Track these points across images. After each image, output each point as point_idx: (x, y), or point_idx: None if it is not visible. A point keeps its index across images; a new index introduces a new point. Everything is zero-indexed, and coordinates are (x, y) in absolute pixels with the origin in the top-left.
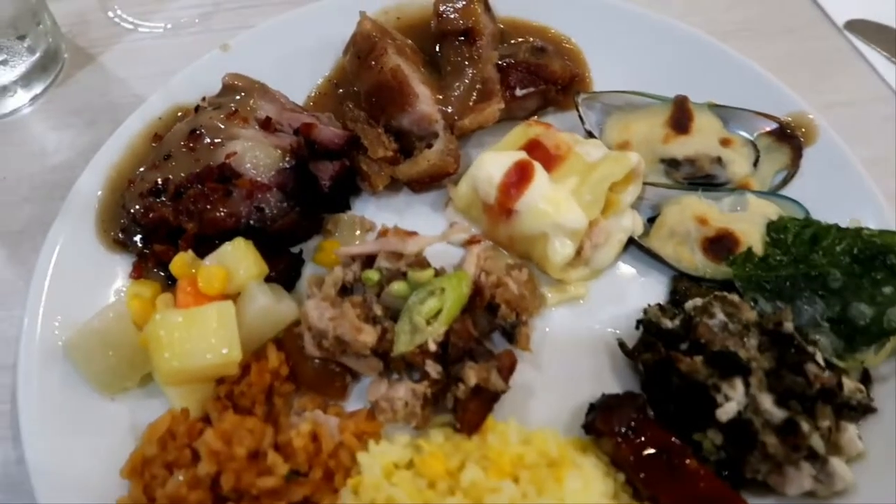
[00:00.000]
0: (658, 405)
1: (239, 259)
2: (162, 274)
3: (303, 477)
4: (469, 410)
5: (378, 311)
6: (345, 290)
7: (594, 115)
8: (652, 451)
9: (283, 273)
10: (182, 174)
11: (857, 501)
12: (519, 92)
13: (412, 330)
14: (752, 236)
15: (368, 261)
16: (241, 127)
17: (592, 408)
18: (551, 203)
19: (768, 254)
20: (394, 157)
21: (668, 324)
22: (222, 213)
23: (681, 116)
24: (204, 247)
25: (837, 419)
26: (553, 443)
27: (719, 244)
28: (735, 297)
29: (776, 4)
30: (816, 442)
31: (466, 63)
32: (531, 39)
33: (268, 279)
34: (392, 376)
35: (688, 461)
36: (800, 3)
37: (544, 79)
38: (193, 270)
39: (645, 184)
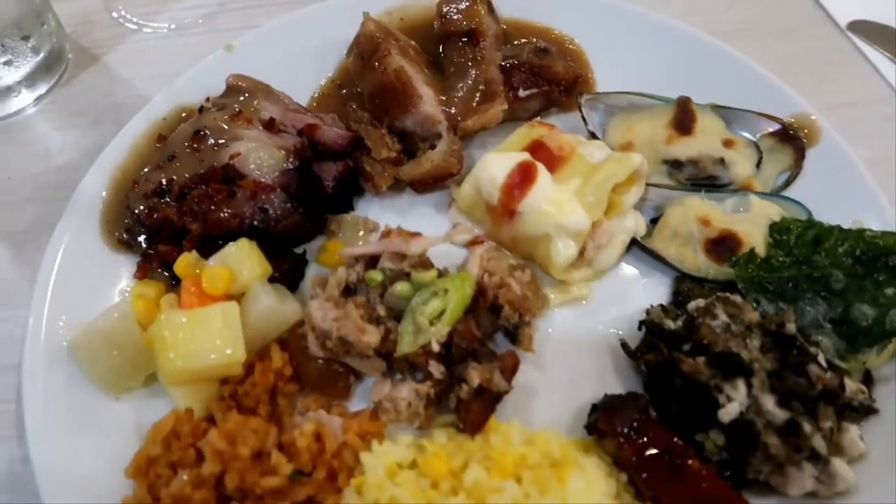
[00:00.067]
0: (660, 406)
1: (243, 260)
2: (166, 274)
3: (306, 477)
4: (472, 411)
5: (381, 311)
6: (348, 291)
7: (597, 116)
8: (654, 451)
9: (287, 274)
10: (186, 175)
11: (858, 502)
12: (522, 93)
13: (415, 330)
14: (754, 237)
15: (372, 261)
16: (244, 128)
17: (595, 408)
18: (554, 204)
19: (771, 255)
20: (397, 157)
21: (670, 325)
22: (226, 214)
23: (684, 117)
24: (208, 247)
25: (839, 420)
26: (556, 443)
27: (722, 245)
28: (737, 299)
29: (777, 5)
30: (818, 443)
31: (470, 64)
32: (534, 40)
33: (271, 280)
34: (395, 377)
35: (690, 462)
36: (801, 4)
37: (547, 80)
38: (197, 271)
39: (648, 185)
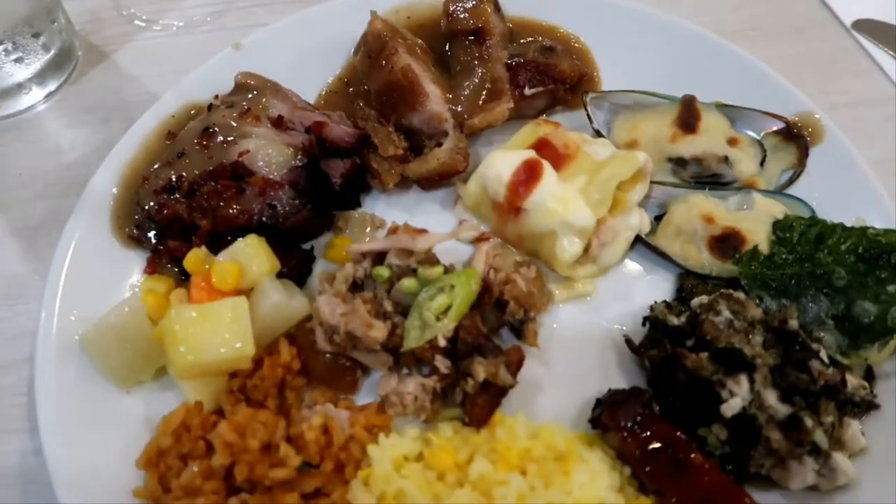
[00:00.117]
0: (664, 401)
1: (252, 255)
2: (176, 270)
3: (314, 469)
4: (477, 405)
5: (388, 307)
6: (356, 287)
7: (602, 115)
8: (657, 445)
9: (295, 269)
10: (195, 172)
11: (859, 496)
12: (528, 91)
13: (422, 326)
14: (758, 235)
15: (379, 258)
16: (253, 125)
17: (599, 403)
18: (559, 201)
19: (774, 252)
20: (404, 155)
21: (674, 321)
22: (235, 210)
23: (688, 116)
24: (217, 243)
25: (841, 415)
26: (560, 437)
27: (725, 242)
28: (741, 295)
29: (784, 4)
30: (820, 437)
31: (476, 62)
32: (540, 39)
33: (280, 275)
34: (402, 371)
35: (693, 455)
36: (807, 3)
37: (553, 78)
38: (207, 266)
39: (652, 182)
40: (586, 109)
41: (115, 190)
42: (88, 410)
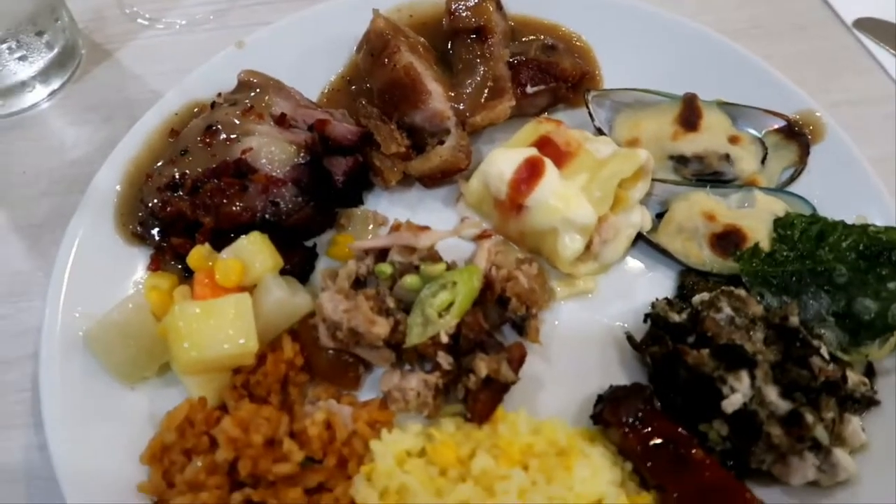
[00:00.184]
0: (665, 397)
1: (255, 252)
2: (179, 266)
3: (317, 464)
4: (480, 401)
5: (391, 303)
6: (358, 283)
7: (604, 113)
8: (659, 441)
9: (298, 266)
10: (199, 169)
11: (859, 491)
12: (530, 89)
13: (424, 322)
14: (759, 232)
15: (381, 254)
16: (256, 123)
17: (600, 399)
18: (561, 199)
19: (775, 249)
20: (406, 153)
21: (675, 317)
22: (238, 208)
23: (690, 114)
24: (220, 240)
25: (841, 411)
26: (562, 433)
27: (727, 240)
28: (742, 292)
29: (785, 3)
30: (820, 433)
31: (478, 60)
32: (542, 37)
33: (283, 272)
34: (404, 367)
35: (694, 451)
36: (809, 2)
37: (555, 76)
38: (210, 263)
39: (654, 180)
40: (588, 107)
41: (118, 187)
42: (92, 406)
